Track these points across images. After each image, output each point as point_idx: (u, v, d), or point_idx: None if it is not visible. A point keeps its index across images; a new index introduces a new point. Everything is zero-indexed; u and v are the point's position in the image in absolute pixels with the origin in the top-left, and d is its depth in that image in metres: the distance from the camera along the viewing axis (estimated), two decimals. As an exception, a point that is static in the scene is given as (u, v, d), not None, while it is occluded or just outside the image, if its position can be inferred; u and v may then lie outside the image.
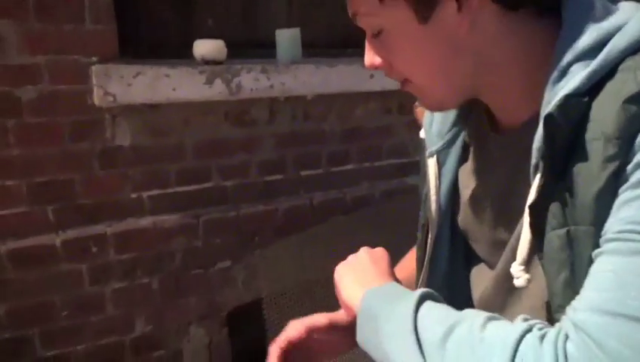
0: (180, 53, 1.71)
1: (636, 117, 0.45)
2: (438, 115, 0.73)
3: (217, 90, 1.65)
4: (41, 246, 1.53)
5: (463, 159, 0.72)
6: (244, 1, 1.90)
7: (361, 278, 0.69)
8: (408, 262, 0.90)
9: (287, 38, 1.84)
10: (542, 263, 0.53)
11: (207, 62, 1.65)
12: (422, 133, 0.77)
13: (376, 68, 0.64)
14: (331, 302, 0.81)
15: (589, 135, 0.47)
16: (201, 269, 1.76)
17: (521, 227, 0.56)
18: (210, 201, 1.75)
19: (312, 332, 0.75)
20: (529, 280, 0.55)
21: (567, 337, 0.44)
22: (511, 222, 0.61)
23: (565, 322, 0.46)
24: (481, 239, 0.70)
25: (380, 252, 0.74)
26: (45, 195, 1.52)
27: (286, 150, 1.87)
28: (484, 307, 0.66)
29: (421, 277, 0.77)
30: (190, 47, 1.70)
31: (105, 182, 1.59)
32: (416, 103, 1.00)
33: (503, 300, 0.64)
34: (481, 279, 0.71)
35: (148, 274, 1.68)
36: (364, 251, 0.75)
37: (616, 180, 0.46)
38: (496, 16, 0.56)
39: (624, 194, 0.46)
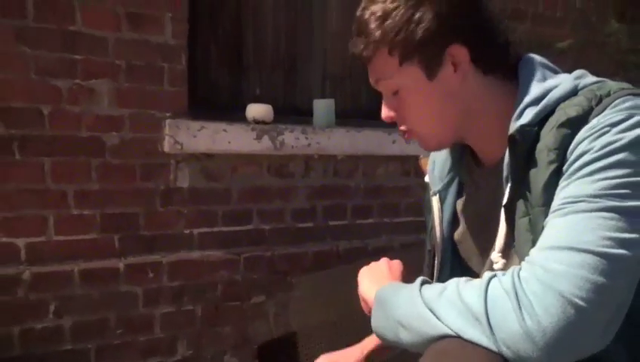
0: (233, 114, 2.03)
1: (566, 135, 0.70)
2: (438, 163, 0.97)
3: (265, 146, 1.95)
4: (107, 268, 1.77)
5: (459, 195, 0.95)
6: (286, 73, 2.25)
7: (376, 280, 0.88)
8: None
9: (323, 107, 2.16)
10: (515, 250, 0.76)
11: (257, 122, 1.96)
12: (426, 178, 1.01)
13: (391, 119, 0.86)
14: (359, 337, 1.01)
15: (537, 149, 0.72)
16: (239, 301, 1.98)
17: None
18: (250, 241, 2.00)
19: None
20: (505, 264, 0.78)
21: (520, 269, 0.66)
22: (494, 231, 0.83)
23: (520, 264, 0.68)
24: (473, 252, 0.92)
25: (396, 263, 0.95)
26: (114, 225, 1.78)
27: (317, 201, 2.13)
28: None
29: None
30: (241, 109, 2.02)
31: (164, 218, 1.85)
32: (421, 156, 1.25)
33: None
34: None
35: (192, 302, 1.89)
36: (383, 260, 0.96)
37: (556, 176, 0.70)
38: (477, 77, 0.81)
39: (562, 183, 0.69)
